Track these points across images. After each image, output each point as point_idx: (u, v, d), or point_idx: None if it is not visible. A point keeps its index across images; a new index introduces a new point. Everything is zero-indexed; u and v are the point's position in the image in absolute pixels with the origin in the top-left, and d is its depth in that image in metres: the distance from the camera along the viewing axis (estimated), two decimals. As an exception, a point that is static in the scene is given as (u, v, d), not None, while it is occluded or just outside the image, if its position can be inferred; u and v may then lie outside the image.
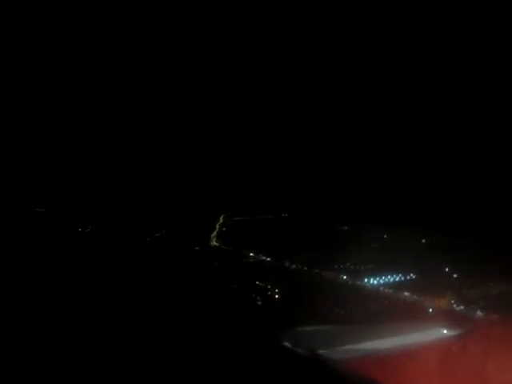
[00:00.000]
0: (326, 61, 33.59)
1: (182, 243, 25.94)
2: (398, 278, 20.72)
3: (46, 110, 32.82)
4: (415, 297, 18.36)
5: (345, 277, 20.58)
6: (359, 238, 28.35)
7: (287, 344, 7.01)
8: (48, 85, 31.38)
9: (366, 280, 20.21)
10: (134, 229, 29.37)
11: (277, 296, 18.12)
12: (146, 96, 34.15)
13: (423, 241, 27.28)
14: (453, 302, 17.53)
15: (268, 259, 23.51)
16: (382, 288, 19.55)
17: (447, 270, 21.44)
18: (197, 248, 25.01)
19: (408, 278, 20.89)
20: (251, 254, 24.16)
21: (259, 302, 17.21)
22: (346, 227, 31.67)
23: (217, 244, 26.58)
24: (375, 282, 20.10)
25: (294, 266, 22.16)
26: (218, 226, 31.60)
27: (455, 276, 20.58)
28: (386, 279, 20.35)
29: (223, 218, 34.66)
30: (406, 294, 18.73)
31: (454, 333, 9.46)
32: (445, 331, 9.32)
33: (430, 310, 16.99)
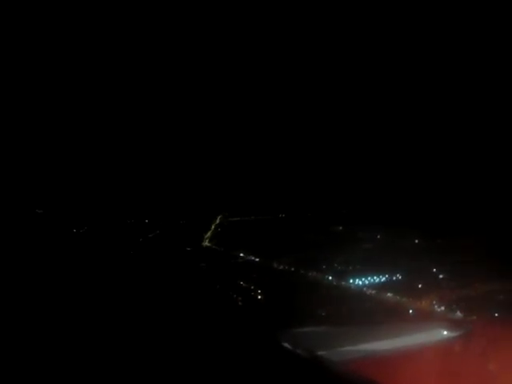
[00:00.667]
0: (321, 58, 33.54)
1: (174, 244, 26.22)
2: (389, 279, 20.66)
3: (44, 112, 33.41)
4: (405, 298, 18.29)
5: (330, 277, 20.57)
6: (353, 238, 28.31)
7: (286, 345, 7.09)
8: (44, 87, 31.89)
9: (352, 281, 20.18)
10: (129, 229, 29.77)
11: (259, 297, 18.23)
12: (138, 96, 34.50)
13: (416, 241, 27.11)
14: (444, 303, 17.46)
15: (257, 260, 23.63)
16: (368, 289, 19.50)
17: (440, 270, 21.31)
18: (188, 249, 25.24)
19: (399, 278, 20.81)
20: (241, 255, 24.31)
21: (240, 303, 17.33)
22: (340, 227, 31.63)
23: (208, 245, 26.79)
24: (362, 282, 20.07)
25: (281, 267, 22.23)
26: (213, 227, 31.84)
27: (448, 277, 20.43)
28: (375, 280, 20.30)
29: (220, 218, 34.91)
30: (395, 295, 18.63)
31: (453, 334, 9.47)
32: (444, 332, 9.34)
33: (427, 311, 16.98)
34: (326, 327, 13.97)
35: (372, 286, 19.72)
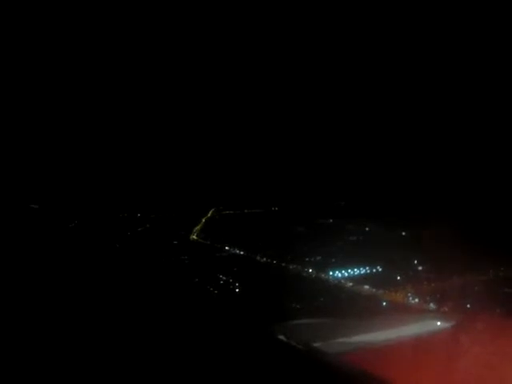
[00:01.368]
0: (315, 53, 33.40)
1: (160, 237, 26.46)
2: (368, 272, 20.71)
3: (40, 110, 33.89)
4: (380, 290, 18.33)
5: (310, 270, 20.66)
6: (341, 231, 28.35)
7: (281, 337, 7.19)
8: (41, 82, 32.31)
9: (331, 273, 20.25)
10: (120, 223, 30.11)
11: (237, 290, 18.39)
12: (130, 94, 34.72)
13: (403, 233, 27.07)
14: (418, 295, 17.49)
15: (241, 253, 23.78)
16: (345, 281, 19.56)
17: (420, 262, 21.30)
18: (174, 242, 25.46)
19: (379, 271, 20.86)
20: (226, 248, 24.48)
21: (216, 296, 17.52)
22: (331, 220, 31.65)
23: (195, 238, 26.99)
24: (341, 275, 20.13)
25: (263, 260, 22.36)
26: (203, 220, 32.06)
27: (427, 269, 20.43)
28: (354, 272, 20.36)
29: (212, 212, 35.14)
30: (372, 287, 18.68)
31: (447, 324, 9.54)
32: (438, 323, 9.42)
33: (402, 303, 17.03)
34: (320, 319, 14.08)
35: (350, 278, 19.76)
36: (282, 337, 7.01)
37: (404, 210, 32.06)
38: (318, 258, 22.66)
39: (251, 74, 34.94)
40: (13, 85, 30.43)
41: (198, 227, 29.57)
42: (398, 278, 19.48)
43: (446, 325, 9.60)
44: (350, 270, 20.42)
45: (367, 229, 28.47)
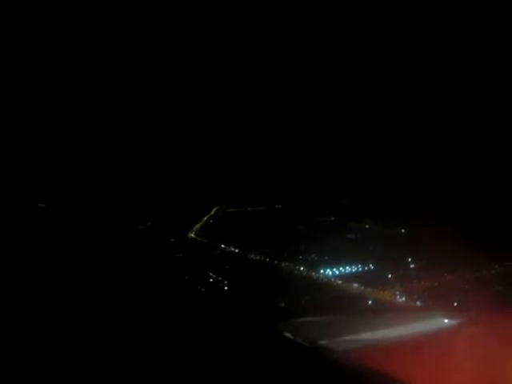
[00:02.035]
0: (308, 49, 33.15)
1: (159, 235, 26.78)
2: (361, 269, 20.56)
3: (45, 108, 34.71)
4: (369, 288, 18.16)
5: (302, 268, 20.61)
6: (340, 228, 28.19)
7: (287, 335, 7.36)
8: (46, 83, 33.08)
9: (322, 271, 20.16)
10: (123, 221, 30.61)
11: (224, 288, 18.50)
12: (135, 91, 35.19)
13: (403, 231, 26.72)
14: (407, 293, 17.29)
15: (236, 251, 23.89)
16: (336, 279, 19.44)
17: (415, 260, 21.02)
18: (171, 240, 25.72)
19: (371, 268, 20.67)
20: (222, 246, 24.62)
21: (202, 293, 17.64)
22: (333, 218, 31.46)
23: (193, 236, 27.22)
24: (332, 273, 20.03)
25: (256, 258, 22.42)
26: (205, 218, 32.30)
27: (419, 267, 20.15)
28: (346, 270, 20.24)
29: (216, 210, 35.37)
30: (362, 285, 18.52)
31: (454, 322, 9.58)
32: (445, 320, 9.46)
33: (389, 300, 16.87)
34: (327, 317, 14.12)
35: (341, 276, 19.61)
36: (288, 334, 7.07)
37: (405, 208, 31.67)
38: (313, 255, 22.57)
39: (253, 73, 34.96)
40: (17, 86, 31.24)
41: (198, 225, 29.80)
42: (390, 276, 19.27)
43: (454, 322, 9.59)
44: (342, 268, 20.30)
45: (367, 226, 28.22)
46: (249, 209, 35.68)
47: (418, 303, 16.37)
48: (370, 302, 16.64)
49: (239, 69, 35.26)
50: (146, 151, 39.39)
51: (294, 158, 38.45)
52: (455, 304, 15.41)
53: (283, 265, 21.23)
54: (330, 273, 19.95)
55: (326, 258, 22.10)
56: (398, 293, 17.25)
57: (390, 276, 19.21)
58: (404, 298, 16.85)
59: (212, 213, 33.71)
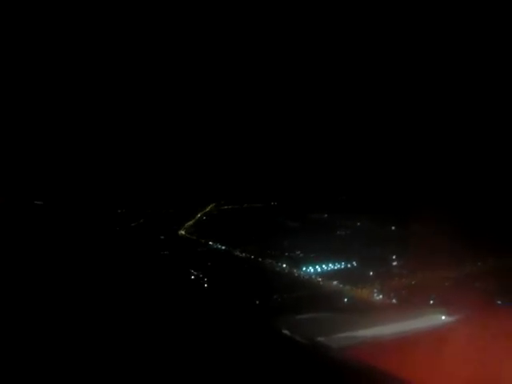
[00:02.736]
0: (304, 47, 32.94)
1: (149, 232, 26.95)
2: (342, 267, 20.46)
3: (43, 107, 35.07)
4: (348, 286, 18.05)
5: (284, 265, 20.56)
6: (331, 225, 28.01)
7: (286, 332, 7.51)
8: (43, 80, 33.38)
9: (305, 268, 20.07)
10: (116, 218, 30.86)
11: (205, 285, 18.57)
12: (127, 91, 35.35)
13: (393, 228, 26.43)
14: (384, 291, 17.14)
15: (223, 248, 23.92)
16: (316, 277, 19.37)
17: (398, 258, 20.83)
18: (161, 237, 25.87)
19: (354, 266, 20.56)
20: (210, 243, 24.68)
21: (182, 290, 17.72)
22: (326, 215, 31.27)
23: (183, 233, 27.34)
24: (314, 270, 19.93)
25: (242, 255, 22.44)
26: (199, 215, 32.38)
27: (401, 265, 19.98)
28: (327, 268, 20.12)
29: (211, 207, 35.41)
30: (340, 283, 18.43)
31: (450, 319, 9.68)
32: (442, 317, 9.57)
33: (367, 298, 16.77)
34: (324, 314, 14.14)
35: (321, 274, 19.52)
36: (286, 331, 7.12)
37: (403, 206, 31.27)
38: (298, 252, 22.50)
39: (248, 70, 34.83)
40: (14, 84, 31.65)
41: (190, 222, 29.90)
42: (371, 273, 19.11)
43: (450, 319, 9.53)
44: (324, 266, 20.18)
45: (358, 224, 27.99)
46: (245, 206, 35.61)
47: (394, 301, 16.22)
48: (345, 299, 16.54)
49: (234, 66, 35.15)
50: (146, 148, 39.53)
51: (294, 155, 38.17)
52: (431, 302, 15.29)
53: (266, 262, 21.22)
54: (312, 270, 19.85)
55: (311, 255, 22.00)
56: (375, 291, 17.09)
57: (370, 274, 19.05)
58: (381, 296, 16.69)
59: (207, 210, 33.74)
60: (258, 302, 15.89)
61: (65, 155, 37.09)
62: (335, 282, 18.25)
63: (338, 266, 20.18)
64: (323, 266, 20.13)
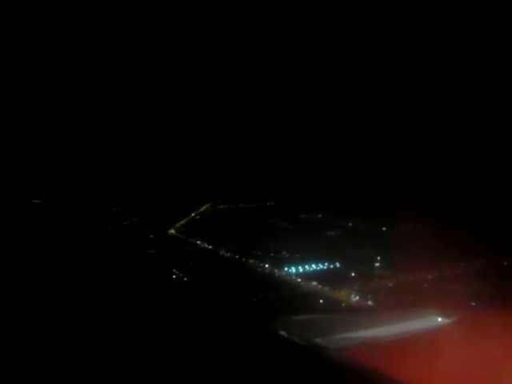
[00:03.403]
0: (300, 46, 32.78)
1: (140, 231, 27.11)
2: (324, 268, 20.24)
3: (42, 108, 35.60)
4: (326, 287, 17.84)
5: (266, 265, 20.45)
6: (322, 226, 27.78)
7: (283, 333, 7.60)
8: (42, 79, 33.89)
9: (286, 269, 19.92)
10: (110, 217, 31.13)
11: (185, 284, 18.56)
12: (125, 90, 35.62)
13: (384, 228, 26.07)
14: (362, 293, 16.91)
15: (209, 247, 23.93)
16: (296, 277, 19.20)
17: (383, 259, 20.51)
18: (150, 236, 26.00)
19: (337, 267, 20.33)
20: (198, 242, 24.71)
21: (163, 288, 17.75)
22: (320, 215, 31.02)
23: (173, 232, 27.42)
24: (295, 270, 19.77)
25: (226, 254, 22.40)
26: (193, 215, 32.46)
27: (384, 266, 19.68)
28: (308, 269, 19.94)
29: (206, 206, 35.49)
30: (319, 284, 18.22)
31: (447, 320, 9.69)
32: (439, 319, 9.59)
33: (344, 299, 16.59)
34: (322, 315, 14.10)
35: (303, 274, 19.34)
36: (283, 332, 7.13)
37: (400, 207, 30.86)
38: (284, 253, 22.36)
39: (244, 68, 34.80)
40: (13, 83, 32.16)
41: (182, 222, 29.99)
42: (353, 274, 18.86)
43: (447, 320, 9.45)
44: (307, 266, 20.00)
45: (350, 224, 27.69)
46: (240, 206, 35.59)
47: (370, 303, 15.98)
48: (321, 300, 16.34)
49: (231, 66, 35.18)
50: (147, 148, 39.81)
51: (294, 156, 38.07)
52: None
53: (249, 262, 21.12)
54: (294, 271, 19.69)
55: (296, 255, 21.86)
56: (353, 292, 16.86)
57: (352, 275, 18.80)
58: (358, 298, 16.46)
59: (202, 209, 33.81)
60: (230, 302, 15.81)
61: (66, 154, 37.60)
62: (314, 283, 18.03)
63: (320, 267, 19.96)
64: (305, 266, 19.94)
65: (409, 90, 30.65)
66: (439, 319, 9.25)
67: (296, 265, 20.02)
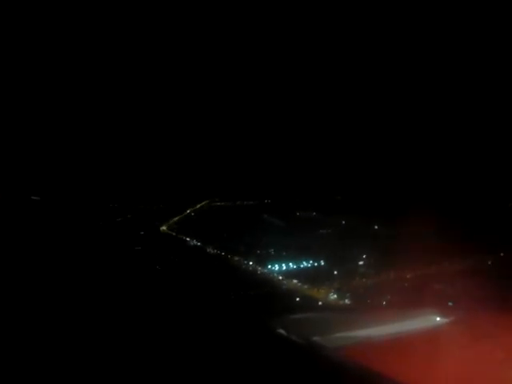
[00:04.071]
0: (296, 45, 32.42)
1: (131, 227, 27.13)
2: (308, 266, 20.00)
3: (41, 106, 35.94)
4: (306, 285, 17.62)
5: (250, 262, 20.26)
6: (315, 224, 27.45)
7: (281, 331, 7.62)
8: (38, 83, 34.21)
9: (270, 266, 19.72)
10: (104, 214, 31.23)
11: (167, 280, 18.47)
12: (123, 88, 35.69)
13: (376, 227, 25.63)
14: (340, 292, 16.66)
15: (198, 244, 23.83)
16: (277, 275, 18.98)
17: (368, 258, 20.16)
18: (141, 232, 25.99)
19: (321, 265, 20.06)
20: (187, 239, 24.63)
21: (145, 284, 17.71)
22: (314, 213, 30.67)
23: (165, 229, 27.40)
24: (279, 268, 19.56)
25: (212, 251, 22.28)
26: (188, 212, 32.40)
27: (367, 265, 19.32)
28: (293, 267, 19.72)
29: (203, 203, 35.36)
30: (299, 282, 18.01)
31: (445, 320, 9.65)
32: (437, 318, 9.57)
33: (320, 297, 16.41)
34: (321, 313, 14.04)
35: (285, 272, 19.12)
36: (281, 331, 7.09)
37: (394, 207, 30.40)
38: (271, 250, 22.11)
39: (241, 66, 34.61)
40: (12, 82, 32.52)
41: (176, 218, 29.95)
42: (335, 273, 18.56)
43: (445, 320, 9.35)
44: (291, 264, 19.77)
45: (343, 222, 27.32)
46: (238, 203, 35.40)
47: (347, 301, 15.71)
48: (297, 299, 16.12)
49: (229, 64, 35.00)
50: (150, 145, 39.86)
51: (294, 154, 37.77)
52: (384, 303, 14.75)
53: (234, 259, 20.96)
54: (277, 268, 19.47)
55: (283, 253, 21.62)
56: (332, 291, 16.58)
57: (334, 273, 18.51)
58: (335, 296, 16.18)
59: (198, 206, 33.71)
60: (206, 299, 15.68)
61: (65, 151, 37.89)
62: (294, 281, 17.79)
63: (304, 265, 19.69)
64: (289, 264, 19.70)
65: (405, 87, 30.08)
66: (437, 319, 9.12)
67: (279, 262, 19.79)
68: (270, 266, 19.63)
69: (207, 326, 7.41)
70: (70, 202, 35.43)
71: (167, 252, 22.19)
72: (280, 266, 19.50)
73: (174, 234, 26.06)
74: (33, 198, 35.00)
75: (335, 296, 16.06)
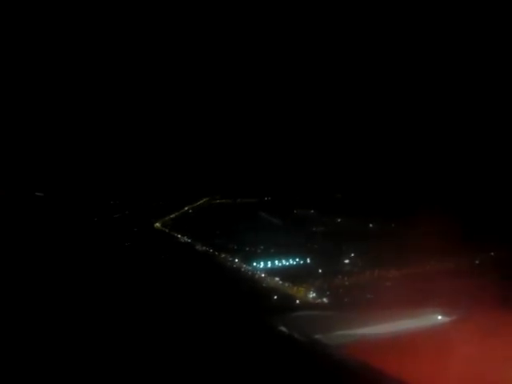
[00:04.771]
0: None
1: (126, 224, 27.29)
2: (293, 264, 19.75)
3: (43, 104, 36.48)
4: (287, 284, 17.35)
5: (236, 260, 20.10)
6: (311, 222, 27.19)
7: (283, 329, 7.82)
8: (39, 81, 34.74)
9: (255, 264, 19.50)
10: (103, 210, 31.55)
11: (152, 276, 18.48)
12: (122, 87, 35.95)
13: (371, 225, 25.17)
14: (320, 291, 16.36)
15: (188, 241, 23.80)
16: (261, 272, 18.75)
17: (355, 257, 19.80)
18: (134, 229, 26.10)
19: (307, 263, 19.77)
20: (178, 236, 24.63)
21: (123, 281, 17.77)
22: (312, 211, 30.34)
23: (158, 226, 27.46)
24: (263, 266, 19.33)
25: (201, 248, 22.22)
26: (185, 209, 32.45)
27: (352, 264, 18.95)
28: (277, 264, 19.47)
29: (203, 201, 35.39)
30: (281, 280, 17.75)
31: (446, 319, 9.70)
32: (438, 317, 9.62)
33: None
34: (322, 312, 13.98)
35: (269, 270, 18.85)
36: (283, 328, 7.15)
37: (393, 207, 29.85)
38: (261, 248, 21.94)
39: (241, 66, 34.49)
40: (14, 80, 33.09)
41: (172, 215, 30.02)
42: (320, 271, 18.23)
43: (446, 319, 9.27)
44: (277, 262, 19.53)
45: (339, 220, 26.95)
46: (238, 201, 35.32)
47: (325, 300, 15.40)
48: (275, 297, 15.87)
49: (229, 62, 34.93)
50: (154, 143, 40.16)
51: (295, 153, 37.59)
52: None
53: (221, 256, 20.84)
54: (262, 266, 19.24)
55: (272, 250, 21.43)
56: (312, 289, 16.26)
57: (319, 271, 18.19)
58: (315, 295, 15.87)
59: (196, 203, 33.76)
60: (186, 296, 15.61)
61: (68, 148, 38.43)
62: (276, 278, 17.54)
63: (290, 263, 19.44)
64: (275, 261, 19.47)
65: (405, 87, 29.50)
66: (438, 317, 8.98)
67: (266, 260, 19.57)
68: (254, 264, 19.43)
69: (207, 326, 7.35)
70: (72, 198, 35.98)
71: (156, 249, 22.23)
72: (265, 264, 19.29)
73: (166, 230, 26.09)
74: (37, 194, 35.72)
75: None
